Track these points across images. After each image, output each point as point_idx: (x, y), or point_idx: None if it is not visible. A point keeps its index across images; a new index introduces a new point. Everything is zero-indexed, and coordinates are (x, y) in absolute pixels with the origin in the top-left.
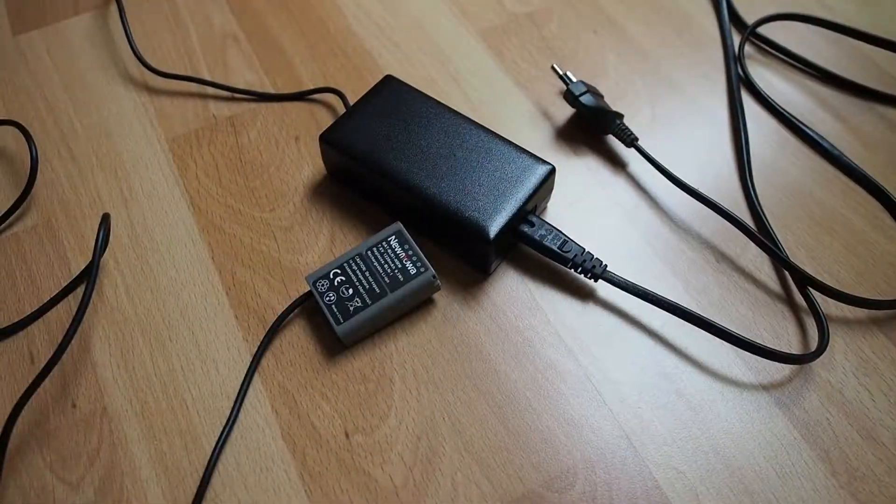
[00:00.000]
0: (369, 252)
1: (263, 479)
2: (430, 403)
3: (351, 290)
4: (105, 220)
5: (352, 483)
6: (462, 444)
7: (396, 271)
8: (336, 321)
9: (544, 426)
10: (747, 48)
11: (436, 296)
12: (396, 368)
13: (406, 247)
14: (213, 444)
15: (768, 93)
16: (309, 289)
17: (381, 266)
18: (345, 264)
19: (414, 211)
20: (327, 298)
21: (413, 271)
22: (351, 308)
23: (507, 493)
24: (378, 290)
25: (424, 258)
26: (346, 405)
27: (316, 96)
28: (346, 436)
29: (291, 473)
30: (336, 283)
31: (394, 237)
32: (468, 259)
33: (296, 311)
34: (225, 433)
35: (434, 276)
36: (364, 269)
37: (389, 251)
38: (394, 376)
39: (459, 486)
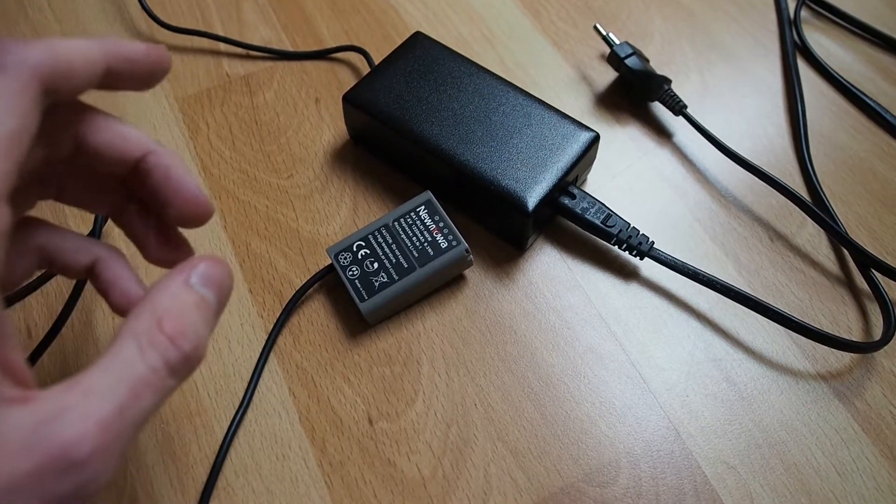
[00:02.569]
0: (396, 223)
1: (280, 468)
2: (461, 388)
3: (376, 265)
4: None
5: (375, 473)
6: (495, 433)
7: (426, 244)
8: (360, 298)
9: (584, 415)
10: (803, 12)
11: (467, 272)
12: (424, 350)
13: (437, 218)
14: (226, 429)
15: (826, 60)
16: (330, 262)
17: (410, 239)
18: (369, 236)
19: (444, 179)
20: (350, 273)
21: (444, 245)
22: (376, 284)
23: (544, 487)
24: (406, 265)
25: (457, 231)
26: (370, 389)
27: (338, 55)
28: (370, 422)
29: (310, 462)
30: (360, 257)
31: (423, 207)
32: (503, 233)
33: (315, 285)
34: (238, 417)
35: (467, 251)
36: (391, 241)
37: (418, 223)
38: (421, 358)
39: (493, 478)
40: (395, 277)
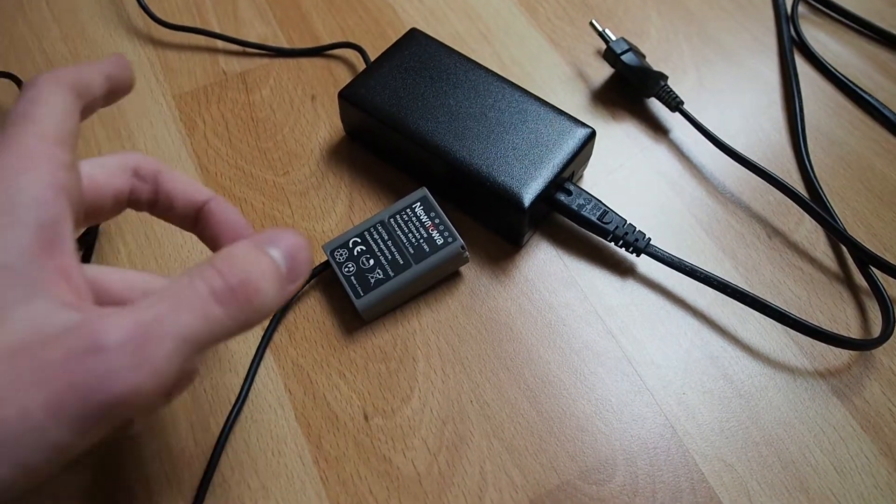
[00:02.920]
0: (392, 220)
1: (275, 464)
2: (457, 385)
3: (372, 261)
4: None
5: (371, 469)
6: (491, 430)
7: (422, 241)
8: (355, 294)
9: (580, 412)
10: (801, 8)
11: (463, 269)
12: (420, 346)
13: (432, 214)
14: (222, 425)
15: (823, 56)
16: (326, 259)
17: (405, 235)
18: (365, 233)
19: (440, 176)
20: (346, 269)
21: (440, 241)
22: (372, 280)
23: (539, 484)
24: (401, 262)
25: (452, 227)
26: (366, 385)
27: (334, 52)
28: (366, 418)
29: (306, 458)
30: (356, 254)
31: (419, 204)
32: (499, 229)
33: (311, 282)
34: (234, 413)
35: (463, 247)
36: (386, 238)
37: (414, 219)
38: (417, 355)
39: (488, 475)
40: (391, 274)
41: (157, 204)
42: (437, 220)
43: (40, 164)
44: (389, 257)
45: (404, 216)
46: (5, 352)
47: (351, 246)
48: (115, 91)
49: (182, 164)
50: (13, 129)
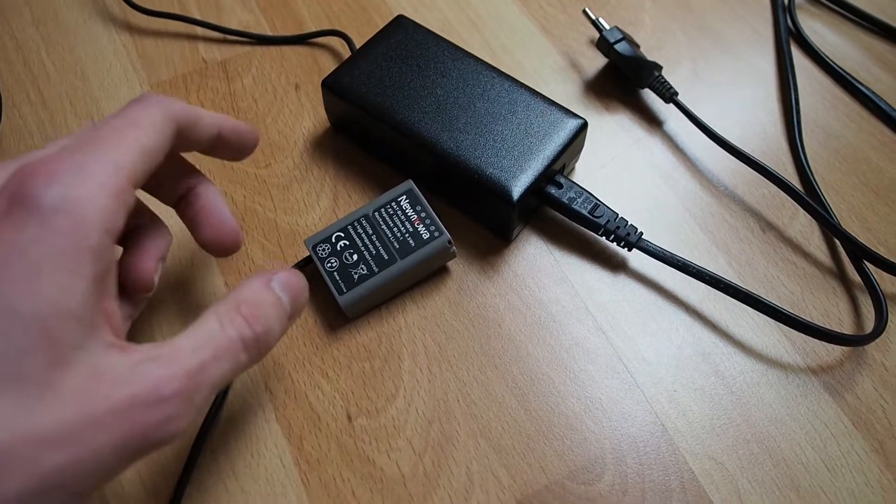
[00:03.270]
0: (377, 214)
1: (255, 466)
2: (443, 383)
3: (356, 256)
4: None
5: (354, 471)
6: (478, 430)
7: (407, 236)
8: (338, 290)
9: (570, 410)
10: None
11: (451, 264)
12: (406, 344)
13: (418, 208)
14: (199, 427)
15: (820, 47)
16: (308, 254)
17: (390, 229)
18: (349, 227)
19: (427, 168)
20: (329, 265)
21: (426, 236)
22: (355, 276)
23: (527, 485)
24: (386, 257)
25: (439, 221)
26: (349, 384)
27: (318, 40)
28: (349, 418)
29: (286, 460)
30: (339, 248)
31: (404, 197)
32: (487, 223)
33: None
34: (212, 414)
35: (449, 242)
36: (371, 232)
37: (399, 213)
38: (402, 353)
39: (475, 476)
40: (375, 269)
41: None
42: (423, 214)
43: (108, 204)
44: (374, 252)
45: (389, 210)
46: (73, 394)
47: (334, 241)
48: (223, 148)
49: None
50: (98, 145)
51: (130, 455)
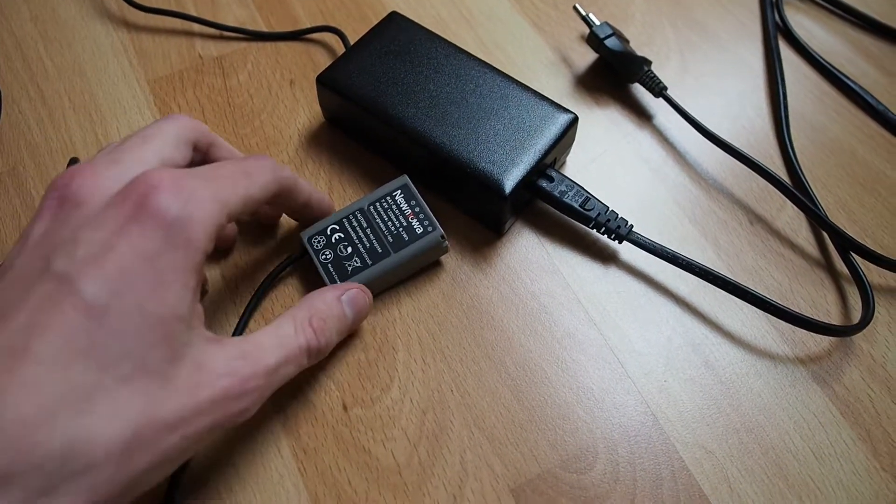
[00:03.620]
0: (371, 207)
1: (251, 456)
2: (437, 374)
3: (350, 249)
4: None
5: (350, 461)
6: (472, 420)
7: (401, 230)
8: (332, 282)
9: (562, 400)
10: None
11: (444, 257)
12: (400, 335)
13: (412, 203)
14: None
15: (808, 42)
16: (303, 246)
17: (385, 223)
18: (344, 220)
19: (420, 162)
20: (323, 257)
21: (419, 230)
22: (349, 268)
23: (520, 474)
24: (380, 250)
25: (432, 216)
26: (345, 375)
27: (313, 36)
28: (344, 409)
29: (283, 449)
30: (333, 241)
31: (399, 192)
32: (480, 217)
33: (288, 269)
34: None
35: (443, 237)
36: (365, 225)
37: (394, 207)
38: (397, 344)
39: (469, 465)
40: (369, 262)
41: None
42: (417, 209)
43: (211, 230)
44: (368, 245)
45: (384, 204)
46: (185, 385)
47: (329, 233)
48: (305, 215)
49: None
50: (216, 181)
51: (211, 436)
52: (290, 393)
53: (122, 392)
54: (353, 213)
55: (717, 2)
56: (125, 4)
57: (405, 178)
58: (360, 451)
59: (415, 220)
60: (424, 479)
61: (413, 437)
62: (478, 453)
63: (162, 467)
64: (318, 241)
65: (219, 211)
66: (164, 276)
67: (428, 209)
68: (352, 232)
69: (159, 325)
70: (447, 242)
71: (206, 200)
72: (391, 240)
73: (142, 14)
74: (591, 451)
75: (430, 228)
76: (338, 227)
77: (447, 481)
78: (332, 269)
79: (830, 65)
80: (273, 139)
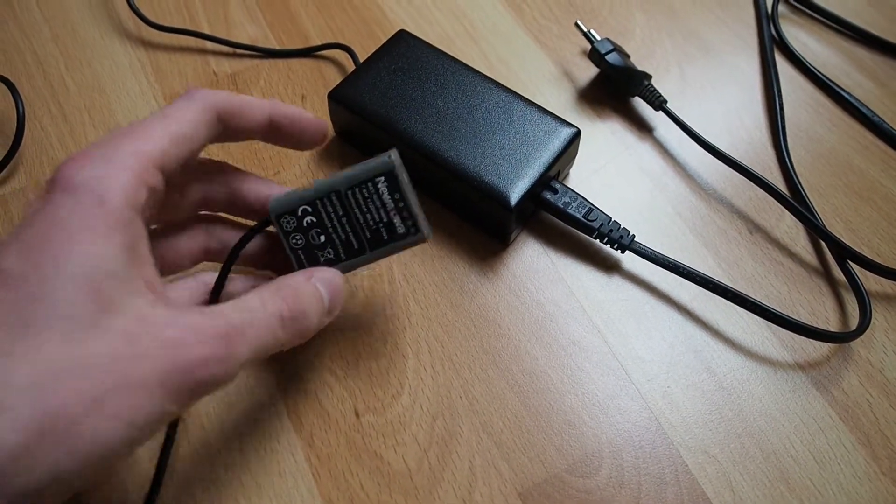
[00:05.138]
0: (350, 194)
1: (267, 462)
2: (446, 381)
3: (323, 238)
4: None
5: (362, 466)
6: (480, 425)
7: (380, 226)
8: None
9: (567, 406)
10: (781, 7)
11: (452, 266)
12: (410, 344)
13: (397, 196)
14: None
15: (803, 54)
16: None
17: (363, 215)
18: (318, 202)
19: (428, 175)
20: (294, 241)
21: (401, 230)
22: (321, 259)
23: (528, 478)
24: (356, 245)
25: (417, 214)
26: (357, 382)
27: (324, 53)
28: (357, 415)
29: (297, 455)
30: (305, 225)
31: (383, 180)
32: (486, 228)
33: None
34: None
35: (425, 239)
36: (341, 213)
37: (375, 198)
38: (407, 352)
39: (477, 469)
40: (343, 257)
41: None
42: (401, 205)
43: (129, 182)
44: (343, 238)
45: (365, 192)
46: (121, 332)
47: (300, 214)
48: (280, 135)
49: None
50: (124, 137)
51: (178, 389)
52: (303, 400)
53: (42, 336)
54: (329, 196)
55: (715, 16)
56: (143, 24)
57: (391, 161)
58: (372, 456)
59: (397, 217)
60: (435, 483)
61: (423, 442)
62: (486, 458)
63: (100, 415)
64: (289, 223)
65: (136, 163)
66: (79, 235)
67: (413, 206)
68: (326, 219)
69: (84, 281)
70: (428, 232)
71: (118, 158)
72: (368, 235)
73: (158, 33)
74: (596, 456)
75: (413, 230)
76: (310, 210)
77: (457, 485)
78: (303, 257)
79: (826, 77)
80: (285, 153)
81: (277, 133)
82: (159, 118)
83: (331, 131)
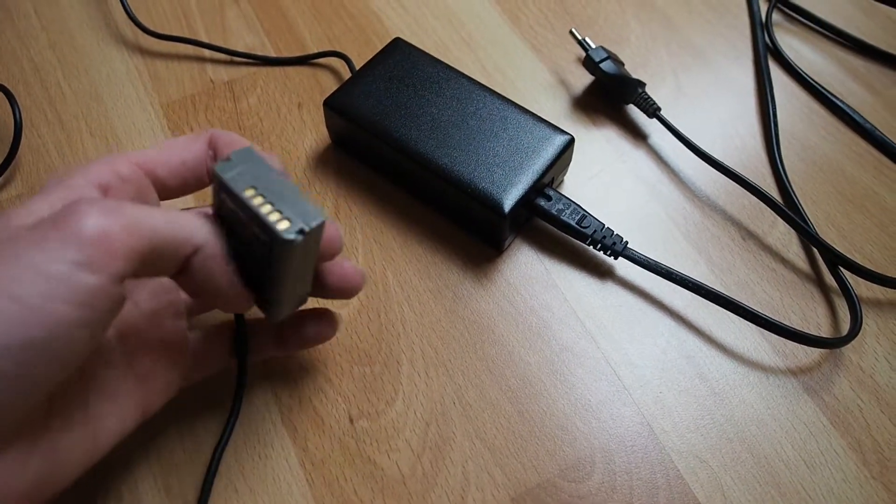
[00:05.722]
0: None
1: (262, 467)
2: (440, 387)
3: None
4: None
5: (356, 471)
6: (473, 431)
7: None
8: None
9: (560, 412)
10: (775, 15)
11: (446, 273)
12: (404, 350)
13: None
14: (216, 434)
15: (797, 62)
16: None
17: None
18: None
19: (423, 182)
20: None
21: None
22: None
23: (521, 483)
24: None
25: (263, 220)
26: (351, 388)
27: (320, 61)
28: (351, 421)
29: (292, 461)
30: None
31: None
32: (481, 234)
33: None
34: (230, 428)
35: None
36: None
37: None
38: (401, 358)
39: (471, 474)
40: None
41: None
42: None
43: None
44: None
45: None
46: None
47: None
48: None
49: None
50: None
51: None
52: (297, 405)
53: None
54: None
55: (710, 24)
56: (140, 31)
57: (221, 170)
58: (365, 461)
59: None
60: (428, 488)
61: (417, 448)
62: (479, 463)
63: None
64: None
65: None
66: None
67: (255, 210)
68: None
69: None
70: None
71: None
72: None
73: (155, 41)
74: (588, 461)
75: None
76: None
77: (450, 491)
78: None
79: (819, 84)
80: (282, 160)
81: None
82: None
83: (327, 139)
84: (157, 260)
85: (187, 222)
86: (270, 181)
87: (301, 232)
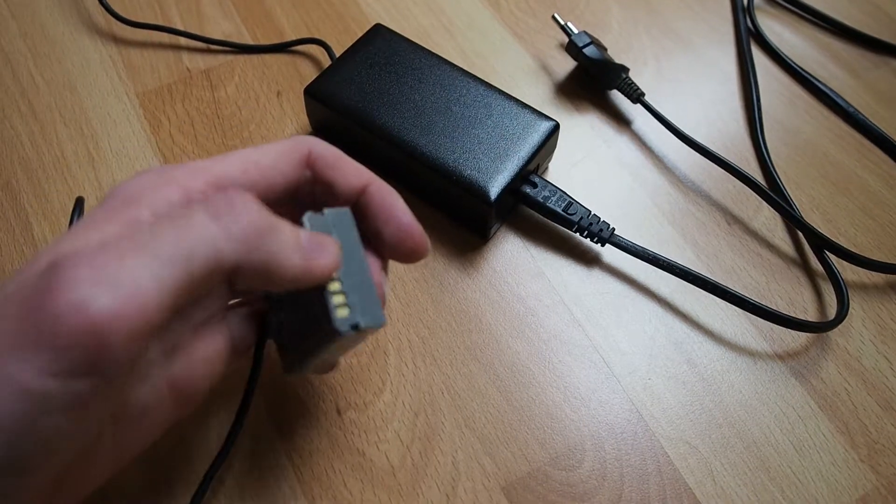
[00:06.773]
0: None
1: (250, 461)
2: (428, 377)
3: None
4: (79, 203)
5: (345, 463)
6: (462, 421)
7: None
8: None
9: (549, 400)
10: None
11: (432, 262)
12: (391, 340)
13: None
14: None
15: (779, 46)
16: None
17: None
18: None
19: (407, 170)
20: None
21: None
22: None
23: (511, 472)
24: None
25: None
26: (338, 379)
27: (299, 48)
28: (338, 412)
29: (279, 454)
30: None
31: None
32: (466, 222)
33: None
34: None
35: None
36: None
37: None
38: (388, 348)
39: (460, 464)
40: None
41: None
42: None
43: None
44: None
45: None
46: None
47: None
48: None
49: (147, 162)
50: None
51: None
52: (284, 398)
53: None
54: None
55: (691, 9)
56: (113, 19)
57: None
58: (354, 453)
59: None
60: (418, 479)
61: (406, 438)
62: (469, 453)
63: None
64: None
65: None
66: None
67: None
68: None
69: None
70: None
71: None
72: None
73: (129, 29)
74: (579, 449)
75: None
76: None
77: (440, 481)
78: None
79: (801, 68)
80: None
81: (365, 212)
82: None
83: (308, 127)
84: (194, 292)
85: (203, 232)
86: (352, 258)
87: (355, 327)
